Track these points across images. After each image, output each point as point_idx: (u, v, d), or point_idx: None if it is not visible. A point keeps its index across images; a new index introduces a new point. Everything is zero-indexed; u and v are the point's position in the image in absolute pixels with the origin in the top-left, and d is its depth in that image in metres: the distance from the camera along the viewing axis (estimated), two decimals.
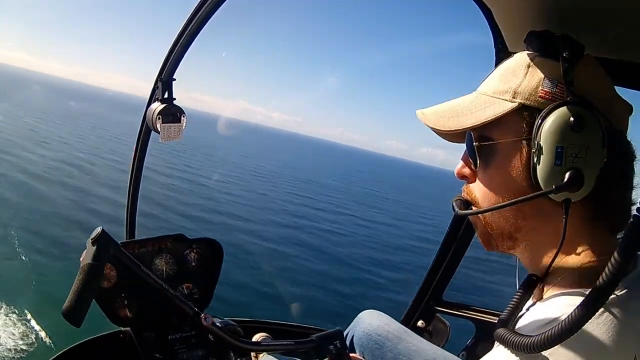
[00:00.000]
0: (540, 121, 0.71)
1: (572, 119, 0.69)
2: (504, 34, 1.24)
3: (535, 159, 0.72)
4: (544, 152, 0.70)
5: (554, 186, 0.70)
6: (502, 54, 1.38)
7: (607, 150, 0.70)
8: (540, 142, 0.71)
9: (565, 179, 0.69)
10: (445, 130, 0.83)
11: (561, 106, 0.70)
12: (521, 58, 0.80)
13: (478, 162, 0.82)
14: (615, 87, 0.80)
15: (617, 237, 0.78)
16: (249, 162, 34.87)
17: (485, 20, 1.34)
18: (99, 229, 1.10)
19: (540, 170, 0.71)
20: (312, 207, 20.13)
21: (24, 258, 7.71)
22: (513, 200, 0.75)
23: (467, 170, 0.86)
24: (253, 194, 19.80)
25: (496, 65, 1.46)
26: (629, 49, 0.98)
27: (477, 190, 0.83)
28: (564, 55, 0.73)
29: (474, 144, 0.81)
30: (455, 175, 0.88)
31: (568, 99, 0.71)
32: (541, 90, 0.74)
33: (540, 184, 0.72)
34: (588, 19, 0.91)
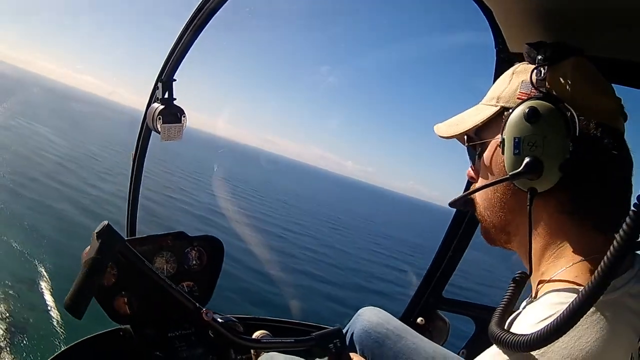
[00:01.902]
0: (506, 117, 0.78)
1: (526, 111, 0.74)
2: (505, 34, 1.25)
3: (502, 152, 0.79)
4: (506, 144, 0.78)
5: (510, 174, 0.76)
6: (503, 54, 1.39)
7: (573, 141, 0.73)
8: (504, 136, 0.78)
9: (522, 166, 0.74)
10: (446, 137, 0.93)
11: (525, 102, 0.77)
12: (512, 67, 0.87)
13: (475, 162, 0.90)
14: (616, 85, 0.82)
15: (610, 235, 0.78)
16: (325, 211, 32.68)
17: (486, 21, 1.35)
18: (104, 223, 1.11)
19: (505, 161, 0.78)
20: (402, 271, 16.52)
21: (53, 314, 6.13)
22: (477, 188, 0.86)
23: (472, 172, 0.94)
24: (333, 249, 17.29)
25: (496, 65, 1.49)
26: (628, 47, 0.99)
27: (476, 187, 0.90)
28: (539, 58, 0.79)
29: (465, 145, 0.91)
30: (467, 177, 0.96)
31: (533, 95, 0.77)
32: (519, 92, 0.81)
33: (507, 173, 0.78)
34: (588, 18, 0.92)
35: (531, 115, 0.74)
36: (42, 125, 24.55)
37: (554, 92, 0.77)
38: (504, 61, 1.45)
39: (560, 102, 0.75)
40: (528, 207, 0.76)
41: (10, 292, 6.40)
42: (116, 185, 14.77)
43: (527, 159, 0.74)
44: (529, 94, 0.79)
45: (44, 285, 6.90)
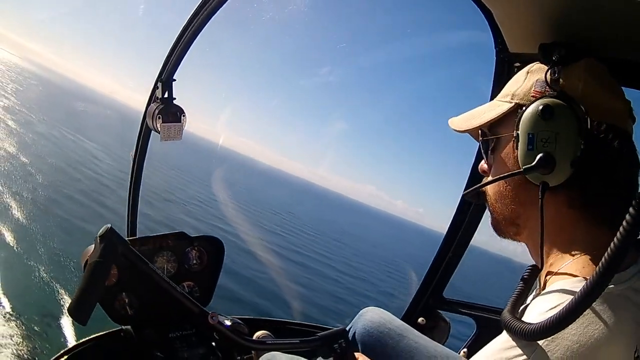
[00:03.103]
0: (520, 114, 0.81)
1: (540, 108, 0.77)
2: (504, 35, 1.25)
3: (515, 147, 0.82)
4: (520, 140, 0.80)
5: (523, 168, 0.79)
6: (503, 54, 1.40)
7: (585, 139, 0.76)
8: (518, 132, 0.80)
9: (535, 161, 0.77)
10: (460, 130, 0.96)
11: (539, 100, 0.79)
12: (526, 67, 0.90)
13: (488, 156, 0.93)
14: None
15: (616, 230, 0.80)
16: (381, 253, 30.06)
17: (486, 22, 1.36)
18: (107, 226, 1.10)
19: (519, 155, 0.81)
20: None
21: None
22: (490, 180, 0.88)
23: (485, 166, 0.96)
24: (390, 297, 15.47)
25: (496, 65, 1.50)
26: (628, 48, 1.00)
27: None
28: (554, 59, 0.82)
29: (479, 139, 0.94)
30: (479, 170, 0.98)
31: (546, 93, 0.80)
32: (533, 90, 0.83)
33: (520, 167, 0.80)
34: (588, 19, 0.93)
35: (545, 113, 0.77)
36: (89, 140, 22.62)
37: (567, 92, 0.79)
38: (504, 61, 1.46)
39: (573, 101, 0.78)
40: (540, 200, 0.79)
41: (35, 328, 5.60)
42: (162, 211, 13.32)
43: (540, 154, 0.77)
44: (542, 92, 0.82)
45: (70, 321, 5.90)
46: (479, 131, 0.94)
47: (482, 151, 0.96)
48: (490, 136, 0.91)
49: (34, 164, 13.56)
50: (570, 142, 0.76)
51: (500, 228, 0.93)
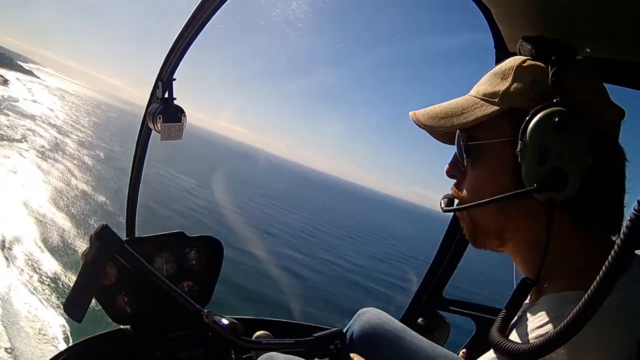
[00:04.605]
0: (526, 121, 0.72)
1: (556, 119, 0.69)
2: (504, 34, 1.25)
3: (519, 159, 0.73)
4: (528, 152, 0.71)
5: (535, 185, 0.71)
6: (502, 54, 1.39)
7: (592, 152, 0.70)
8: (525, 142, 0.71)
9: (548, 178, 0.70)
10: (437, 131, 0.85)
11: (547, 107, 0.71)
12: (511, 61, 0.81)
13: (466, 161, 0.84)
14: (614, 86, 0.84)
15: (607, 240, 0.77)
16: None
17: (485, 21, 1.35)
18: (102, 224, 1.10)
19: (525, 169, 0.72)
20: None
21: None
22: (494, 197, 0.76)
23: (456, 170, 0.88)
24: None
25: (495, 65, 1.49)
26: (627, 48, 0.99)
27: (465, 189, 0.85)
28: (553, 58, 0.75)
29: (462, 144, 0.83)
30: (445, 173, 0.89)
31: (554, 100, 0.72)
32: (529, 92, 0.75)
33: (524, 182, 0.73)
34: (586, 18, 0.92)
35: (561, 124, 0.69)
36: (180, 174, 20.69)
37: (575, 98, 0.72)
38: (502, 61, 1.45)
39: (583, 110, 0.71)
40: (547, 219, 0.72)
41: None
42: (262, 252, 11.51)
43: (553, 171, 0.70)
44: (540, 96, 0.74)
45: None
46: (458, 132, 0.83)
47: (457, 155, 0.86)
48: (470, 140, 0.81)
49: (114, 203, 12.48)
50: (582, 157, 0.70)
51: (480, 240, 0.86)
